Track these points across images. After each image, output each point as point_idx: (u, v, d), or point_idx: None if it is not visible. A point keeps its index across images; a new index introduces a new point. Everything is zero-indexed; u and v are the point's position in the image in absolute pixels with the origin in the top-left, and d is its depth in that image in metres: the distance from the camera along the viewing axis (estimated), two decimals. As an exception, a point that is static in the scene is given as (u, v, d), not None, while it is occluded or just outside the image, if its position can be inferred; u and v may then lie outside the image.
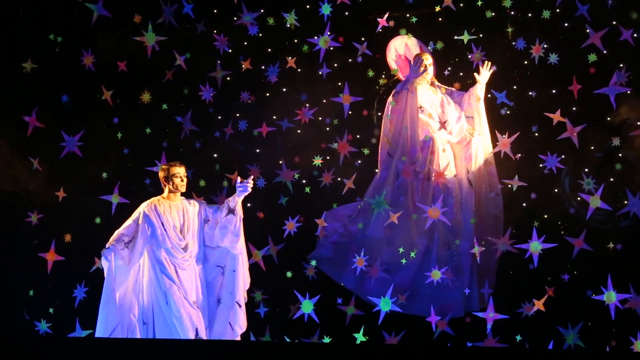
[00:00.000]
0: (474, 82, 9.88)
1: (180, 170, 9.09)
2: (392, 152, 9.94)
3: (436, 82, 10.09)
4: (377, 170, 10.04)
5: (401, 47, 10.23)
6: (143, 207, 9.12)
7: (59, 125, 10.66)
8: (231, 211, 8.92)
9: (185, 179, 9.10)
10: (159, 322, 8.97)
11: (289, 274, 10.12)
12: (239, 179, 8.95)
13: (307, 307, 9.58)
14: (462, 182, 9.86)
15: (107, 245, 9.00)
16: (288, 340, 9.85)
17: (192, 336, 8.84)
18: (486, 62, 9.77)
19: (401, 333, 9.59)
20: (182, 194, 9.16)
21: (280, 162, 10.31)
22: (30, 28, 10.89)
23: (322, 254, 10.08)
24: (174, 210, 9.05)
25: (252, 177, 8.97)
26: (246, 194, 8.95)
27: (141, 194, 10.62)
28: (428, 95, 9.97)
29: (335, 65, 10.32)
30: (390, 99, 10.03)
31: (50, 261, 10.40)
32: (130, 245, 8.97)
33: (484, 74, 9.77)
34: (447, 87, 10.09)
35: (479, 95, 9.85)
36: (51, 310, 10.63)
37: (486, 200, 9.84)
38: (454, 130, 9.90)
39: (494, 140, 9.78)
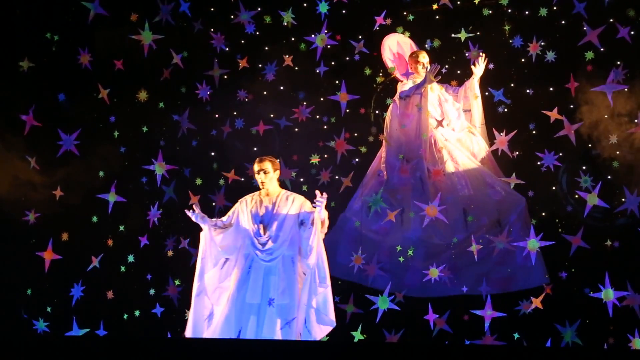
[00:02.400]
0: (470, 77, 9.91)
1: (255, 167, 8.87)
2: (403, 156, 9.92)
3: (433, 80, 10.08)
4: (383, 172, 10.01)
5: (394, 45, 10.23)
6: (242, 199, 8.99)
7: (56, 124, 10.64)
8: (310, 223, 8.64)
9: (261, 174, 8.79)
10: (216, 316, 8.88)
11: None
12: (318, 194, 8.59)
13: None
14: (460, 180, 9.86)
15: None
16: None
17: (232, 336, 8.72)
18: (482, 54, 9.78)
19: (400, 331, 9.61)
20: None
21: (278, 160, 10.30)
22: (27, 27, 10.88)
23: None
24: (264, 206, 8.81)
25: (325, 195, 8.62)
26: (320, 208, 8.60)
27: (138, 193, 10.63)
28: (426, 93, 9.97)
29: (333, 63, 10.33)
30: (397, 101, 9.96)
31: (48, 260, 10.40)
32: (224, 231, 8.82)
33: (480, 66, 9.78)
34: (442, 84, 10.08)
35: (477, 93, 9.87)
36: (49, 309, 10.63)
37: (484, 198, 9.84)
38: (456, 127, 9.90)
39: (492, 138, 9.79)
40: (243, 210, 8.85)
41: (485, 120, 9.96)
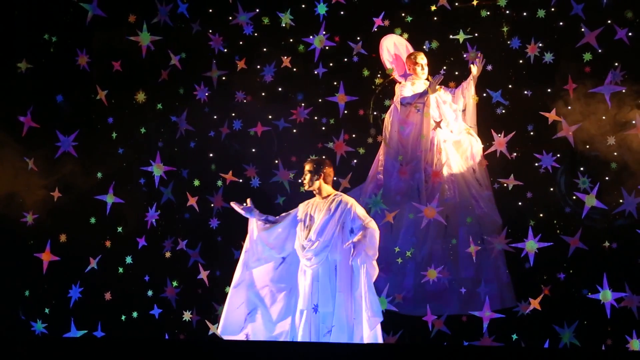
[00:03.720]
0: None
1: (304, 166, 8.83)
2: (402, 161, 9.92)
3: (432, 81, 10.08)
4: (380, 176, 10.00)
5: (391, 47, 10.23)
6: None
7: (54, 125, 10.64)
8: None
9: (305, 175, 8.72)
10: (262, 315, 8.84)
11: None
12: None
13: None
14: (459, 181, 9.86)
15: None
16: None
17: (273, 338, 8.73)
18: (480, 55, 9.78)
19: (399, 332, 9.61)
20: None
21: (277, 161, 10.31)
22: (25, 28, 10.89)
23: None
24: (315, 207, 8.68)
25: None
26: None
27: (136, 194, 10.63)
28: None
29: (331, 64, 10.33)
30: (397, 105, 9.94)
31: (46, 261, 10.41)
32: (271, 227, 8.77)
33: (478, 67, 9.79)
34: (440, 85, 10.07)
35: (475, 95, 9.86)
36: (47, 310, 10.63)
37: (482, 199, 9.85)
38: (454, 128, 9.91)
39: (488, 139, 9.78)
40: (299, 212, 8.79)
41: (483, 121, 9.95)
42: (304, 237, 8.61)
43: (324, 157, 9.22)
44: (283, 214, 8.84)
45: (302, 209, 8.76)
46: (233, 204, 8.83)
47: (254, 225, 8.78)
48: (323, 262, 8.56)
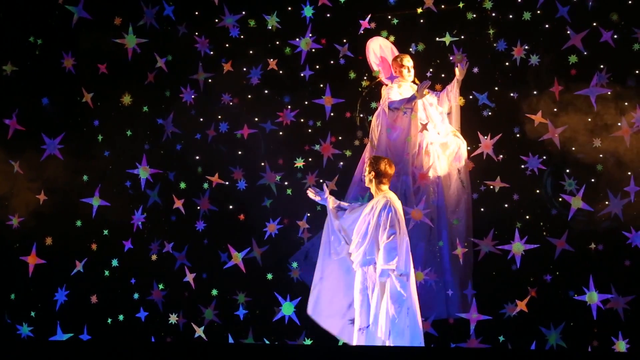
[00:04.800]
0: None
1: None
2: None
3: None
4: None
5: (377, 49, 10.23)
6: None
7: (40, 128, 10.61)
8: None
9: (364, 172, 8.98)
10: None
11: (269, 276, 10.13)
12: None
13: (287, 309, 9.58)
14: (445, 183, 9.87)
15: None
16: (268, 342, 9.87)
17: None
18: (464, 58, 9.80)
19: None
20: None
21: (263, 164, 10.30)
22: (10, 30, 10.85)
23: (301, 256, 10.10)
24: (369, 206, 8.85)
25: None
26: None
27: (122, 197, 10.61)
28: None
29: (317, 67, 10.32)
30: (385, 109, 9.94)
31: (32, 264, 10.38)
32: (343, 214, 8.92)
33: (462, 70, 9.79)
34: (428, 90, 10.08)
35: (461, 98, 9.87)
36: (33, 313, 10.59)
37: (468, 201, 9.87)
38: (441, 130, 9.91)
39: (476, 141, 9.79)
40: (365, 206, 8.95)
41: (469, 123, 9.97)
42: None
43: (384, 156, 9.29)
44: (358, 203, 9.00)
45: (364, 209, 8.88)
46: (309, 191, 9.07)
47: (328, 211, 8.95)
48: (361, 260, 8.72)
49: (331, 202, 8.98)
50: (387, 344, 8.55)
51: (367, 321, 8.68)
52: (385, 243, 8.59)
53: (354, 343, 8.75)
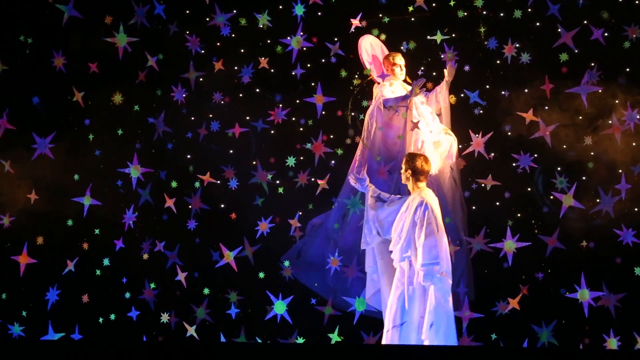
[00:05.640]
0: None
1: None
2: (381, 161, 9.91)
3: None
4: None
5: (369, 47, 10.23)
6: None
7: (31, 127, 10.59)
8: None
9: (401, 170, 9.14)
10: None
11: (261, 275, 10.13)
12: None
13: (279, 307, 9.59)
14: (437, 182, 9.85)
15: None
16: (260, 341, 9.87)
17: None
18: (453, 61, 9.81)
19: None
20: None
21: (255, 162, 10.29)
22: (0, 29, 10.81)
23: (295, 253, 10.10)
24: (405, 204, 8.95)
25: None
26: None
27: (113, 196, 10.60)
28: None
29: (309, 65, 10.31)
30: (381, 108, 9.92)
31: (23, 264, 10.36)
32: (381, 205, 9.05)
33: (449, 71, 9.80)
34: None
35: (453, 96, 9.87)
36: (24, 313, 10.58)
37: (460, 199, 9.87)
38: (433, 128, 9.91)
39: (467, 140, 9.79)
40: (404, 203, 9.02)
41: (461, 122, 9.97)
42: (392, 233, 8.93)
43: (419, 153, 9.35)
44: (397, 197, 9.06)
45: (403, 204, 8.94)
46: (351, 178, 9.24)
47: (367, 202, 9.06)
48: (399, 258, 8.82)
49: (371, 192, 9.09)
50: (425, 343, 8.60)
51: (402, 318, 8.69)
52: (423, 242, 8.64)
53: (387, 341, 8.75)
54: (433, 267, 8.63)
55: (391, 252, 9.01)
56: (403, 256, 8.82)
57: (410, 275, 8.80)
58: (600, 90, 9.48)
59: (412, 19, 10.22)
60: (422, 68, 10.18)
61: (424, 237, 8.67)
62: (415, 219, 8.73)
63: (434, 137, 9.86)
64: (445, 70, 9.81)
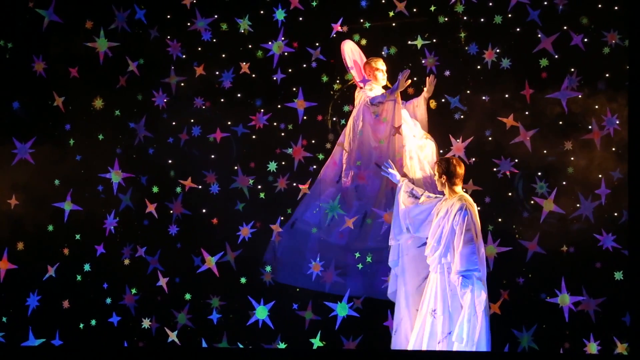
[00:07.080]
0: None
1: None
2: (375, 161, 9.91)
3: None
4: (344, 179, 9.98)
5: (349, 52, 10.24)
6: None
7: (11, 132, 10.56)
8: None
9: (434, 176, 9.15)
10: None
11: (243, 280, 10.12)
12: None
13: (261, 313, 9.59)
14: (419, 186, 9.86)
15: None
16: (242, 346, 9.86)
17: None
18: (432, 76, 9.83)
19: (359, 337, 9.62)
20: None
21: (236, 167, 10.29)
22: (-21, 34, 10.80)
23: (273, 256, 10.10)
24: (441, 207, 8.92)
25: None
26: None
27: (94, 201, 10.57)
28: (384, 101, 9.99)
29: (290, 70, 10.32)
30: (369, 107, 9.91)
31: (3, 269, 10.33)
32: (414, 202, 9.08)
33: (428, 88, 9.82)
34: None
35: (433, 100, 9.88)
36: (4, 319, 10.54)
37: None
38: (416, 133, 9.91)
39: (448, 145, 9.81)
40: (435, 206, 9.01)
41: (441, 127, 9.99)
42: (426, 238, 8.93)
43: (454, 156, 9.35)
44: (430, 195, 9.08)
45: (437, 205, 8.94)
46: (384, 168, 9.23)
47: (397, 196, 9.07)
48: (436, 264, 8.77)
49: (404, 186, 9.10)
50: (465, 349, 8.60)
51: (450, 327, 8.69)
52: (462, 249, 8.63)
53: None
54: (473, 273, 8.62)
55: (426, 256, 8.98)
56: (441, 263, 8.78)
57: (448, 281, 8.77)
58: (580, 96, 9.51)
59: (393, 24, 10.24)
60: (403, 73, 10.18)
61: (463, 243, 8.65)
62: (454, 225, 8.71)
63: (417, 142, 9.87)
64: (424, 87, 9.83)
